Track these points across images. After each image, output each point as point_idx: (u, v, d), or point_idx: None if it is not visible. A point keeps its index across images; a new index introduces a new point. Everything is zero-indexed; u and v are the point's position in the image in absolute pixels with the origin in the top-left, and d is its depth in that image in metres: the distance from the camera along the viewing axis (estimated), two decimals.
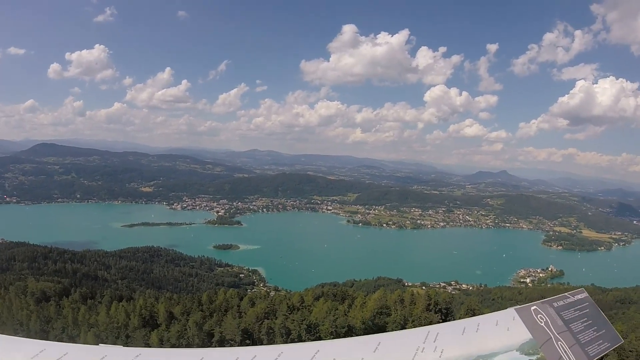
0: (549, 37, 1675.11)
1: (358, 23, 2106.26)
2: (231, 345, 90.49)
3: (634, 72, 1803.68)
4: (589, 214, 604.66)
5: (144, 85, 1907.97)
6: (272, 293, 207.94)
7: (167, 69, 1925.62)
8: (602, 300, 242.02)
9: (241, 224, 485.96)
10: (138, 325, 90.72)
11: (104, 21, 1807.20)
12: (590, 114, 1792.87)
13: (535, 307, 4.66)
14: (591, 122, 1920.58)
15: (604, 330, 4.97)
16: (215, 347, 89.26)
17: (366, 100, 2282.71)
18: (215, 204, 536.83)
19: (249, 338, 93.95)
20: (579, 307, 4.94)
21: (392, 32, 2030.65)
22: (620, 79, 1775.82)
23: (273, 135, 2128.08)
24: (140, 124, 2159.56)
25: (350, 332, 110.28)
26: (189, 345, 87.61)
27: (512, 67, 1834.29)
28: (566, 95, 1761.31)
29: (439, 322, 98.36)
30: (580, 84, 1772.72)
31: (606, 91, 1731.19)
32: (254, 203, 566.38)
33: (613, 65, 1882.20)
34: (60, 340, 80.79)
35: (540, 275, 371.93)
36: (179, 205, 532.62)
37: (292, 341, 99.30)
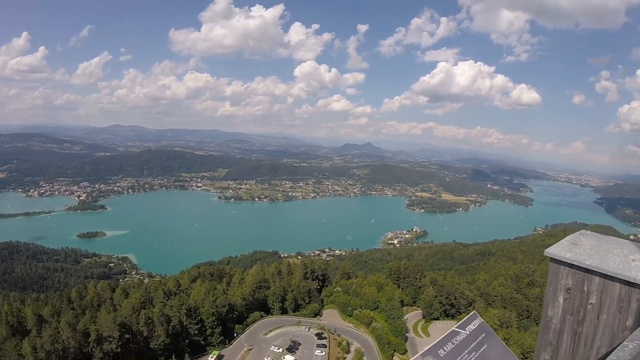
0: (416, 21, 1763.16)
1: None
2: (110, 343, 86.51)
3: (492, 57, 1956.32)
4: (447, 180, 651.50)
5: None
6: (146, 280, 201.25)
7: (24, 34, 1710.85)
8: (464, 254, 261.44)
9: (105, 208, 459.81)
10: (7, 334, 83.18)
11: None
12: (448, 92, 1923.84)
13: None
14: (449, 99, 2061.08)
15: None
16: (94, 347, 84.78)
17: (236, 73, 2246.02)
18: (75, 187, 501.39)
19: (127, 332, 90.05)
20: (473, 345, 4.11)
21: (267, 6, 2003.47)
22: (479, 63, 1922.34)
23: (137, 108, 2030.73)
24: None
25: (231, 310, 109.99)
26: (65, 349, 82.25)
27: (380, 48, 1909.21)
28: (427, 75, 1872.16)
29: (316, 289, 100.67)
30: (441, 65, 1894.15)
31: (465, 73, 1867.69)
32: (118, 184, 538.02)
33: (473, 51, 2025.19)
34: None
35: (407, 236, 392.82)
36: (36, 192, 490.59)
37: (174, 328, 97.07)
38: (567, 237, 3.86)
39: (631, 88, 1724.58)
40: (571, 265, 3.58)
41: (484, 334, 4.28)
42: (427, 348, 3.84)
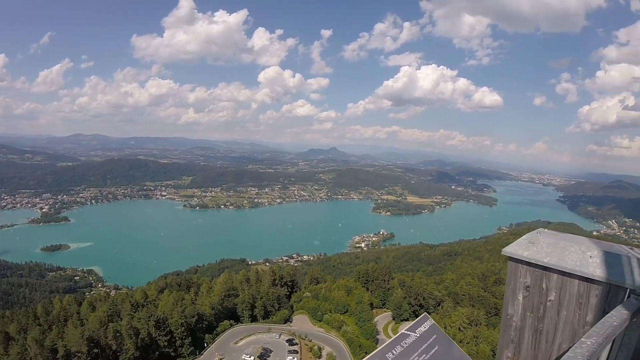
0: (379, 27, 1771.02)
1: None
2: (78, 359, 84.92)
3: (454, 61, 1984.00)
4: (412, 182, 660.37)
5: None
6: (113, 292, 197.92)
7: None
8: (431, 255, 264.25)
9: (69, 220, 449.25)
10: None
11: None
12: (412, 96, 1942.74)
13: None
14: (413, 103, 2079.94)
15: None
16: None
17: (200, 80, 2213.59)
18: (38, 199, 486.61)
19: (96, 346, 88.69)
20: (423, 347, 4.08)
21: (231, 11, 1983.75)
22: (442, 67, 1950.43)
23: (99, 117, 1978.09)
24: None
25: (200, 319, 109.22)
26: None
27: (343, 53, 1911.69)
28: (391, 80, 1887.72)
29: (286, 295, 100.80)
30: (404, 69, 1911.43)
31: (428, 77, 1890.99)
32: (81, 195, 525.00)
33: (436, 55, 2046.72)
34: None
35: (374, 239, 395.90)
36: None
37: (143, 341, 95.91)
38: (525, 236, 4.38)
39: (591, 89, 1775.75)
40: (529, 264, 4.06)
41: (435, 336, 4.25)
42: (374, 352, 3.67)
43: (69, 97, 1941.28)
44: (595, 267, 3.63)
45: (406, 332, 4.12)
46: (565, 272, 3.76)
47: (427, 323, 4.37)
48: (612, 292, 3.65)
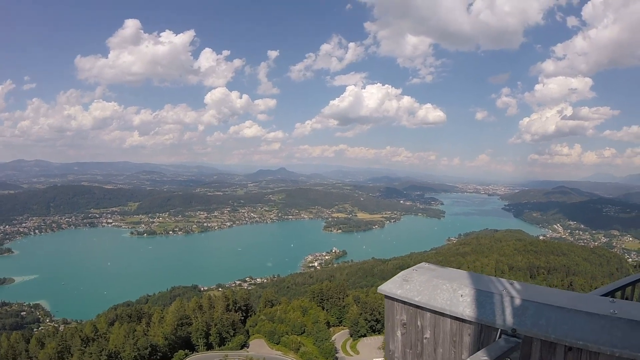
0: (325, 47, 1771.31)
1: (142, 18, 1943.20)
2: None
3: (399, 79, 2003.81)
4: (361, 199, 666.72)
5: None
6: (62, 327, 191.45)
7: None
8: (384, 270, 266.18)
9: (12, 252, 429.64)
10: None
11: None
12: (358, 115, 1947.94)
13: None
14: (359, 121, 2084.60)
15: None
16: None
17: (145, 102, 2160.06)
18: None
19: None
20: None
21: (177, 32, 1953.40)
22: (387, 85, 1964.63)
23: (41, 141, 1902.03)
24: None
25: (154, 351, 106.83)
26: None
27: (290, 73, 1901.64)
28: (337, 99, 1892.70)
29: (240, 320, 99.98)
30: (350, 89, 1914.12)
31: (373, 95, 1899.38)
32: (24, 224, 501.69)
33: (381, 74, 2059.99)
34: None
35: (326, 257, 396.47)
36: None
37: None
38: (401, 273, 4.43)
39: (530, 102, 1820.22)
40: (404, 302, 4.16)
41: None
42: None
43: (11, 121, 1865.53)
44: (465, 307, 3.64)
45: None
46: (436, 311, 3.81)
47: None
48: (484, 332, 3.62)
